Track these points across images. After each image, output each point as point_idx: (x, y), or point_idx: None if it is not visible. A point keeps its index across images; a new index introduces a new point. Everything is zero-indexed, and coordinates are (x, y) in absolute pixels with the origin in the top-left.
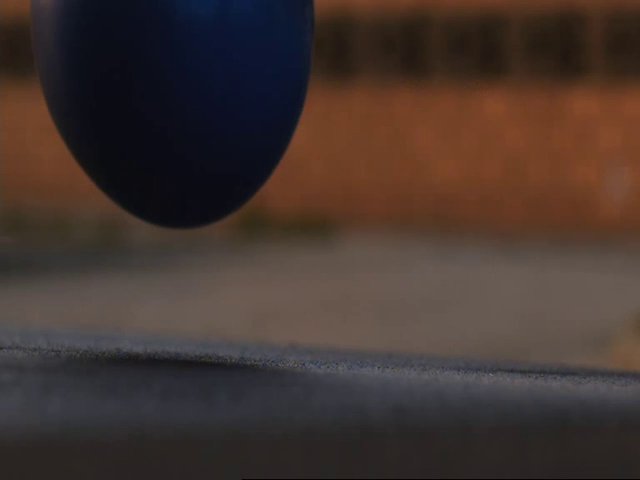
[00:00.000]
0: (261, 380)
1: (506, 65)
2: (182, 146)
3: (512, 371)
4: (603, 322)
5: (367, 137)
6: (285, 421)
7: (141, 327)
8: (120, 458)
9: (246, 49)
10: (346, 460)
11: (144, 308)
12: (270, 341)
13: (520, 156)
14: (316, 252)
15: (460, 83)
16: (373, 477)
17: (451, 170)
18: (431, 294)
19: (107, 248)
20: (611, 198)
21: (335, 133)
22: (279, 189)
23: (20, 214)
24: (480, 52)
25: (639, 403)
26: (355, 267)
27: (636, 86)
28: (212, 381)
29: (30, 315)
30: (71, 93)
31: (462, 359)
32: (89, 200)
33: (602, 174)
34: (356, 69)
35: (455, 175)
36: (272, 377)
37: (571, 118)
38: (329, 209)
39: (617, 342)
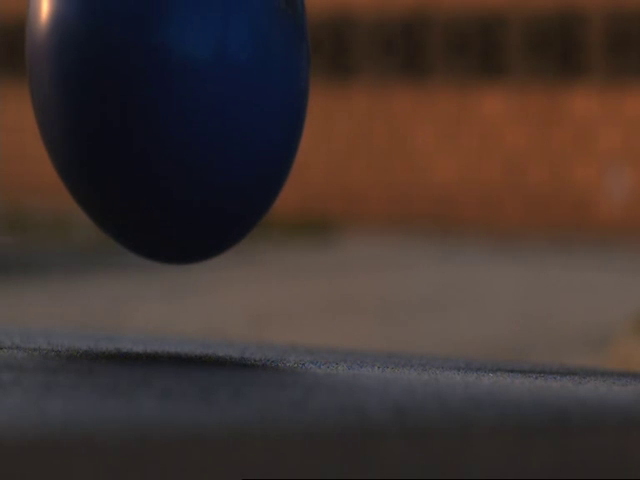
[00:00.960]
0: (261, 380)
1: (506, 65)
2: (181, 187)
3: (512, 371)
4: (603, 322)
5: (367, 137)
6: (285, 421)
7: (141, 327)
8: (120, 458)
9: (243, 90)
10: (346, 460)
11: (144, 308)
12: (270, 341)
13: (520, 156)
14: (316, 252)
15: (460, 83)
16: (373, 477)
17: (451, 170)
18: (431, 294)
19: (107, 248)
20: (611, 198)
21: (335, 133)
22: None
23: (20, 214)
24: (480, 52)
25: (639, 403)
26: (355, 267)
27: (636, 86)
28: (212, 381)
29: (30, 315)
30: (67, 134)
31: (462, 359)
32: None
33: (602, 174)
34: (356, 69)
35: (455, 175)
36: (272, 377)
37: (571, 118)
38: (329, 209)
39: (617, 342)
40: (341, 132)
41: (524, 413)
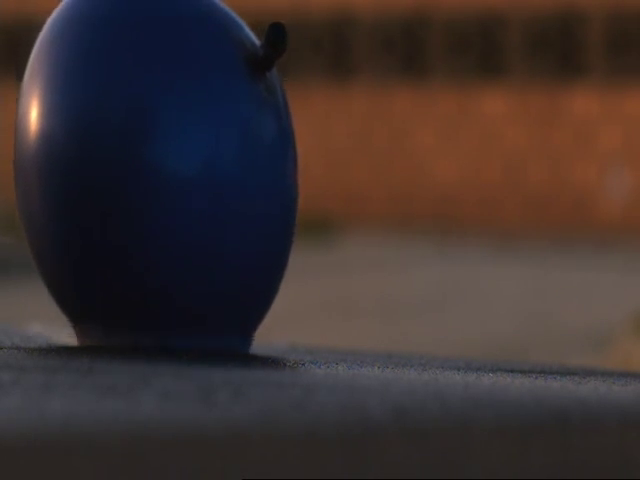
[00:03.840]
0: (261, 380)
1: (506, 65)
2: (164, 292)
3: (512, 371)
4: (603, 322)
5: (367, 137)
6: (285, 421)
7: None
8: (120, 458)
9: (230, 205)
10: (346, 460)
11: None
12: (270, 341)
13: (520, 156)
14: (316, 252)
15: (460, 83)
16: (373, 477)
17: (451, 170)
18: (431, 294)
19: None
20: (611, 198)
21: (335, 133)
22: None
23: None
24: (480, 52)
25: (639, 403)
26: (355, 267)
27: (636, 86)
28: (212, 381)
29: (30, 315)
30: (54, 245)
31: (462, 359)
32: None
33: (602, 174)
34: (356, 69)
35: (455, 175)
36: (272, 377)
37: (571, 118)
38: (329, 209)
39: (617, 342)
40: (341, 132)
41: (524, 413)
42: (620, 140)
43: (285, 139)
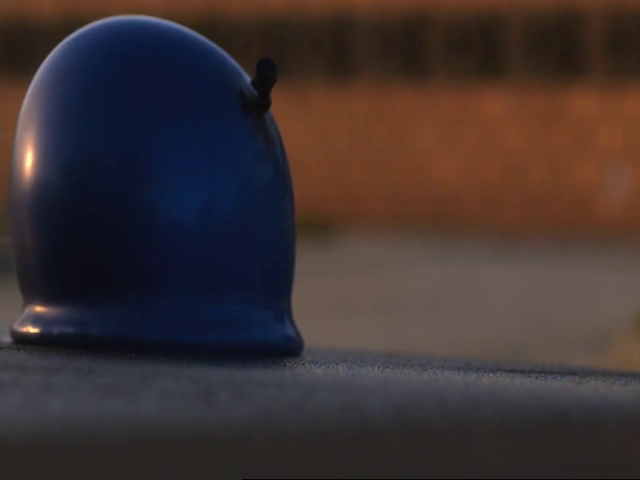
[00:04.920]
0: (261, 380)
1: (506, 65)
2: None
3: (512, 371)
4: (603, 322)
5: (367, 137)
6: (285, 421)
7: None
8: (120, 458)
9: (228, 250)
10: (346, 460)
11: None
12: None
13: (520, 156)
14: (316, 252)
15: (460, 83)
16: (373, 477)
17: (451, 170)
18: (431, 294)
19: None
20: (611, 198)
21: (335, 133)
22: None
23: None
24: (480, 52)
25: (639, 403)
26: (355, 267)
27: (636, 86)
28: (212, 381)
29: None
30: (47, 284)
31: (462, 359)
32: None
33: (602, 174)
34: (356, 69)
35: (455, 175)
36: (272, 377)
37: (571, 118)
38: (329, 209)
39: (617, 342)
40: (341, 132)
41: (524, 413)
42: (620, 140)
43: (282, 184)
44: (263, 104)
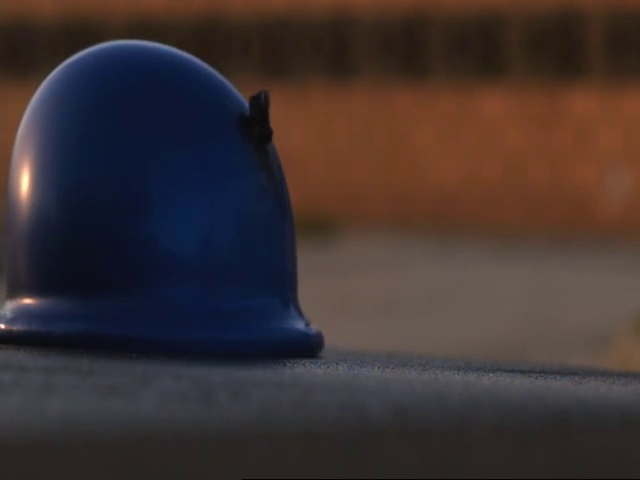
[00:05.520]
0: (261, 380)
1: (506, 65)
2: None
3: (512, 371)
4: (603, 322)
5: (367, 137)
6: (285, 421)
7: None
8: (120, 458)
9: (226, 282)
10: (346, 460)
11: None
12: None
13: (520, 156)
14: (316, 252)
15: (460, 83)
16: (373, 477)
17: (451, 170)
18: (431, 294)
19: None
20: (611, 198)
21: (335, 133)
22: None
23: None
24: (480, 52)
25: (639, 403)
26: (355, 267)
27: (636, 86)
28: (212, 381)
29: None
30: (41, 315)
31: (462, 359)
32: None
33: (602, 174)
34: (356, 69)
35: (455, 175)
36: (272, 377)
37: (571, 118)
38: (329, 209)
39: (617, 342)
40: (341, 132)
41: (524, 413)
42: (620, 140)
43: (282, 217)
44: (264, 136)
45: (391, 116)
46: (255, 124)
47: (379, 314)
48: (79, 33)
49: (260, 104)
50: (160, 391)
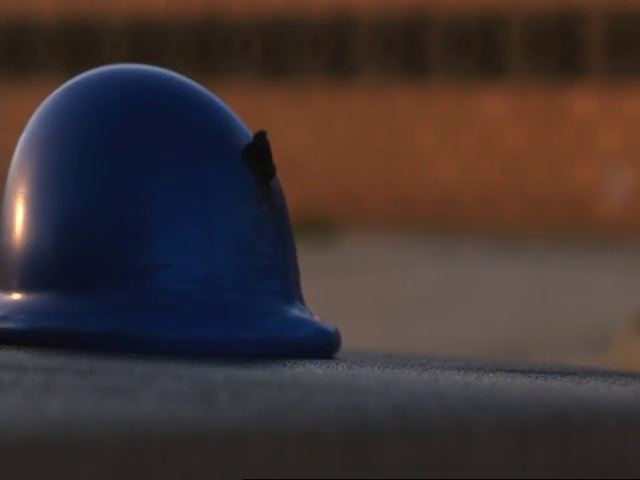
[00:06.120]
0: (261, 380)
1: (506, 65)
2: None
3: (512, 371)
4: (603, 322)
5: (367, 137)
6: (285, 421)
7: None
8: (120, 458)
9: (227, 309)
10: (346, 460)
11: None
12: None
13: (520, 156)
14: (316, 252)
15: (460, 83)
16: (373, 477)
17: (451, 170)
18: (431, 294)
19: None
20: (611, 198)
21: (335, 133)
22: None
23: None
24: (480, 52)
25: (639, 403)
26: (355, 267)
27: (636, 86)
28: (212, 381)
29: None
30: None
31: (462, 359)
32: None
33: (602, 174)
34: (356, 69)
35: (455, 175)
36: (272, 377)
37: (571, 118)
38: (329, 209)
39: (617, 342)
40: (341, 132)
41: (524, 413)
42: (620, 140)
43: (284, 253)
44: (268, 174)
45: (391, 116)
46: (258, 164)
47: (379, 314)
48: (79, 33)
49: (262, 145)
50: (160, 391)
